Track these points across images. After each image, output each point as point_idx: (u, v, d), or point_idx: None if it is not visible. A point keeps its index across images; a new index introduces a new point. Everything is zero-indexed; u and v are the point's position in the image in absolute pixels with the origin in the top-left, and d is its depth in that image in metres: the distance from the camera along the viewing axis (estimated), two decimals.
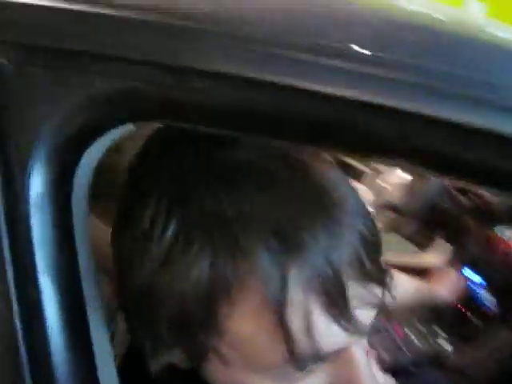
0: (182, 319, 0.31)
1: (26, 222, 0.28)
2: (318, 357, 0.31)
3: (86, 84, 0.28)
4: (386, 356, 0.89)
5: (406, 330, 0.97)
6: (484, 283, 1.02)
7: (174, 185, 0.32)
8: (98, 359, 0.31)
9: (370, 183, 1.54)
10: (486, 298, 1.03)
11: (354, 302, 0.31)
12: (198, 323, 0.31)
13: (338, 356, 0.33)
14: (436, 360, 0.94)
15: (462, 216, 1.31)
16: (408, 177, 1.41)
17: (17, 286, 0.28)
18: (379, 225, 1.34)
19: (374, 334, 0.93)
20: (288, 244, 0.29)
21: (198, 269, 0.30)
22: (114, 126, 0.30)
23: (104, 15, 0.26)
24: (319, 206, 0.31)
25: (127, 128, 0.32)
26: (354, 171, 1.93)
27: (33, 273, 0.28)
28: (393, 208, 1.38)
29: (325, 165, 0.34)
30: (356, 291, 0.31)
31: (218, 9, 0.27)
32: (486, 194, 1.25)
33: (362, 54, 0.25)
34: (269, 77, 0.25)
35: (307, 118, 0.26)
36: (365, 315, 0.32)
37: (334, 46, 0.26)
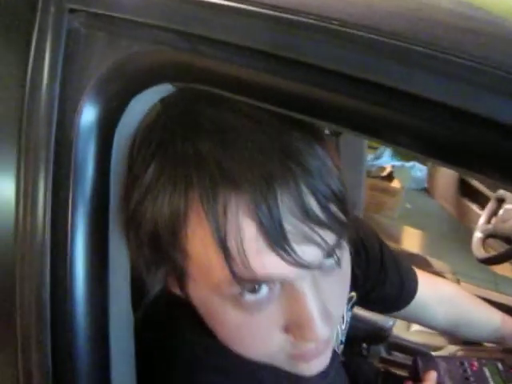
0: (157, 241, 0.38)
1: (71, 148, 0.36)
2: (257, 278, 0.36)
3: (128, 46, 0.35)
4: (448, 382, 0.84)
5: (483, 366, 0.88)
6: None
7: (161, 134, 0.38)
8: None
9: (492, 209, 1.43)
10: None
11: (295, 238, 0.35)
12: (169, 244, 0.38)
13: (288, 291, 0.38)
14: None
15: None
16: None
17: (51, 217, 0.37)
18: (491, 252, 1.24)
19: (445, 361, 0.89)
20: (227, 175, 0.35)
21: (163, 200, 0.36)
22: (151, 83, 0.37)
23: None
24: (266, 157, 0.35)
25: (166, 88, 0.39)
26: (481, 196, 1.79)
27: (67, 206, 0.36)
28: (504, 239, 1.26)
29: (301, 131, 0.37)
30: (299, 229, 0.35)
31: None
32: None
33: None
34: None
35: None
36: (308, 252, 0.36)
37: None
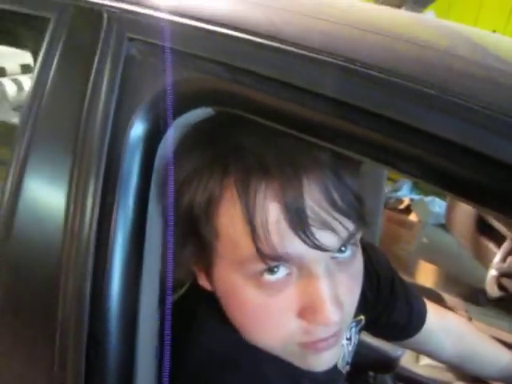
0: (191, 220, 0.43)
1: (120, 158, 0.41)
2: (278, 254, 0.40)
3: (177, 73, 0.40)
4: None
5: None
6: None
7: (204, 136, 0.44)
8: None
9: (508, 248, 1.43)
10: None
11: (315, 223, 0.40)
12: (202, 223, 0.43)
13: (305, 275, 0.42)
14: None
15: None
16: None
17: (98, 219, 0.41)
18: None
19: None
20: (261, 164, 0.40)
21: (199, 184, 0.42)
22: (194, 106, 0.42)
23: (194, 27, 0.39)
24: (292, 154, 0.40)
25: (206, 111, 0.44)
26: (498, 235, 1.79)
27: (112, 209, 0.41)
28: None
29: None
30: (320, 215, 0.40)
31: None
32: None
33: None
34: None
35: None
36: (326, 237, 0.40)
37: None
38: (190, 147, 0.43)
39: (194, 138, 0.44)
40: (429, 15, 2.98)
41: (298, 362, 0.49)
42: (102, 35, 0.43)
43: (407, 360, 1.24)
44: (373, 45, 0.37)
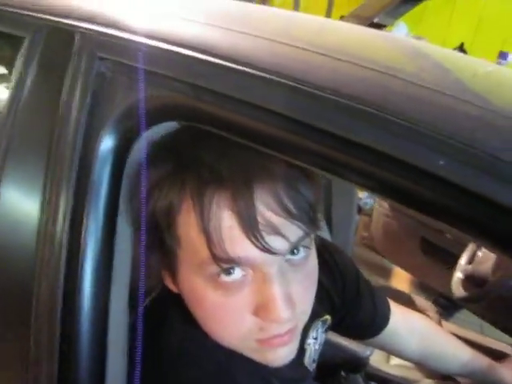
0: (155, 229, 0.47)
1: (90, 168, 0.44)
2: (230, 258, 0.44)
3: (145, 90, 0.44)
4: None
5: None
6: None
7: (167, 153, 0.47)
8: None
9: (472, 251, 1.49)
10: None
11: (266, 229, 0.43)
12: (165, 229, 0.47)
13: (259, 277, 0.46)
14: None
15: None
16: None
17: (69, 225, 0.44)
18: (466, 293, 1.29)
19: None
20: (216, 175, 0.43)
21: (160, 195, 0.46)
22: (160, 121, 0.46)
23: (162, 48, 0.43)
24: (246, 163, 0.44)
25: (172, 125, 0.47)
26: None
27: (82, 216, 0.44)
28: (480, 280, 1.32)
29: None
30: (271, 222, 0.43)
31: None
32: None
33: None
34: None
35: None
36: (276, 241, 0.44)
37: None
38: (154, 160, 0.46)
39: (158, 152, 0.47)
40: (401, 28, 3.09)
41: (257, 357, 0.52)
42: (74, 54, 0.46)
43: (378, 359, 1.28)
44: (321, 67, 0.41)
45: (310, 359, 0.70)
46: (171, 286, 0.53)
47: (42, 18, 0.49)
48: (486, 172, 0.32)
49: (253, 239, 0.43)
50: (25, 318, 0.44)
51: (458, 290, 1.39)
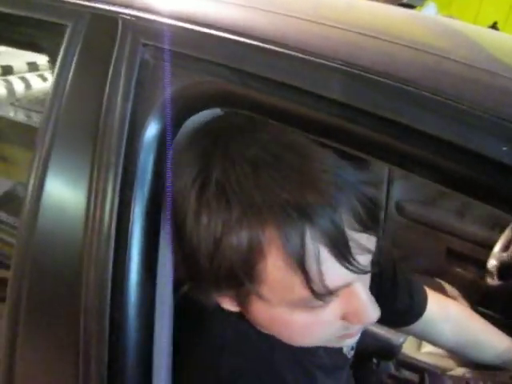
0: (232, 273, 0.43)
1: (137, 156, 0.44)
2: (330, 291, 0.43)
3: (188, 76, 0.43)
4: None
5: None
6: None
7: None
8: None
9: (508, 237, 1.46)
10: None
11: (354, 249, 0.42)
12: (244, 275, 0.43)
13: (346, 290, 0.45)
14: None
15: None
16: None
17: (117, 212, 0.44)
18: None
19: (452, 379, 0.93)
20: (302, 214, 0.40)
21: (239, 239, 0.42)
22: (204, 107, 0.45)
23: (205, 33, 0.42)
24: (320, 186, 0.41)
25: (216, 111, 0.47)
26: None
27: (130, 203, 0.44)
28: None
29: (323, 151, 0.43)
30: (356, 240, 0.42)
31: None
32: None
33: None
34: None
35: None
36: (362, 258, 0.43)
37: None
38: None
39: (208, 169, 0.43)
40: (430, 8, 2.99)
41: (328, 344, 0.54)
42: (118, 41, 0.46)
43: (409, 347, 1.27)
44: (371, 49, 0.40)
45: (348, 347, 0.70)
46: (231, 308, 0.50)
47: (83, 5, 0.48)
48: None
49: (348, 265, 0.42)
50: (75, 307, 0.44)
51: (492, 278, 1.36)
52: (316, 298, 0.43)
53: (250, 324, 0.53)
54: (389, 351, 1.07)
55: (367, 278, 0.49)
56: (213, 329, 0.54)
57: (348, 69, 0.37)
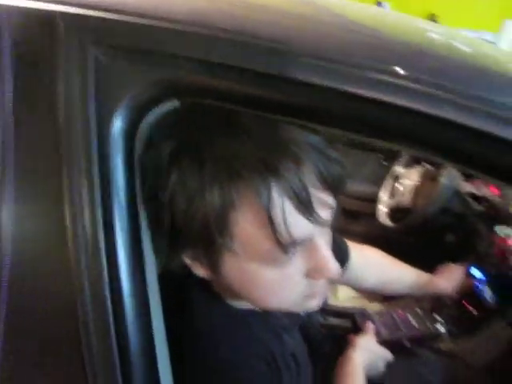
0: (205, 229, 0.47)
1: (108, 158, 0.43)
2: (294, 241, 0.47)
3: (146, 71, 0.43)
4: (383, 331, 1.01)
5: (407, 313, 1.07)
6: (485, 279, 1.10)
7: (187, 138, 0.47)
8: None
9: (390, 186, 1.65)
10: (487, 292, 1.11)
11: (316, 204, 0.47)
12: (216, 230, 0.47)
13: (308, 246, 0.50)
14: (431, 341, 1.03)
15: (471, 219, 1.40)
16: (420, 180, 1.51)
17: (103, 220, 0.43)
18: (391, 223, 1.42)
19: (378, 315, 1.04)
20: (272, 173, 0.45)
21: (212, 194, 0.45)
22: (163, 100, 0.46)
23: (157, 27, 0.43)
24: (288, 148, 0.46)
25: (174, 103, 0.47)
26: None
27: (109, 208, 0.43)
28: (405, 210, 1.48)
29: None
30: (318, 196, 0.47)
31: None
32: (493, 197, 1.34)
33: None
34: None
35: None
36: (323, 212, 0.48)
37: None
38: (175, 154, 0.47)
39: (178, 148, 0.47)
40: None
41: (296, 308, 0.58)
42: (62, 42, 0.43)
43: (328, 296, 1.40)
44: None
45: None
46: (201, 273, 0.54)
47: (10, 6, 0.45)
48: None
49: (310, 217, 0.47)
50: (71, 324, 0.43)
51: (385, 221, 1.55)
52: (281, 249, 0.47)
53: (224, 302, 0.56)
54: None
55: (328, 234, 0.55)
56: (201, 321, 0.56)
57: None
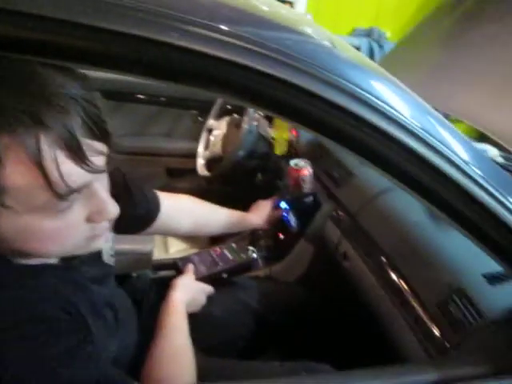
0: None
1: None
2: (72, 190, 0.49)
3: None
4: (202, 268, 1.09)
5: (223, 249, 1.17)
6: (289, 207, 1.25)
7: None
8: None
9: (205, 138, 1.73)
10: (291, 219, 1.26)
11: (88, 152, 0.49)
12: None
13: (87, 192, 0.52)
14: (247, 270, 1.15)
15: (274, 158, 1.56)
16: (227, 129, 1.62)
17: None
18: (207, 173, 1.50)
19: (196, 255, 1.11)
20: (38, 125, 0.45)
21: None
22: None
23: None
24: (51, 99, 0.46)
25: None
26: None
27: None
28: (218, 158, 1.58)
29: (52, 72, 0.48)
30: (88, 144, 0.49)
31: None
32: (292, 137, 1.51)
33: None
34: None
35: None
36: (96, 159, 0.50)
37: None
38: None
39: None
40: None
41: (82, 251, 0.59)
42: None
43: (158, 252, 1.44)
44: None
45: (107, 255, 0.78)
46: None
47: None
48: None
49: (83, 166, 0.48)
50: None
51: (203, 172, 1.63)
52: (59, 199, 0.48)
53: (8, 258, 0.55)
54: (143, 259, 1.19)
55: (105, 179, 0.57)
56: None
57: None
